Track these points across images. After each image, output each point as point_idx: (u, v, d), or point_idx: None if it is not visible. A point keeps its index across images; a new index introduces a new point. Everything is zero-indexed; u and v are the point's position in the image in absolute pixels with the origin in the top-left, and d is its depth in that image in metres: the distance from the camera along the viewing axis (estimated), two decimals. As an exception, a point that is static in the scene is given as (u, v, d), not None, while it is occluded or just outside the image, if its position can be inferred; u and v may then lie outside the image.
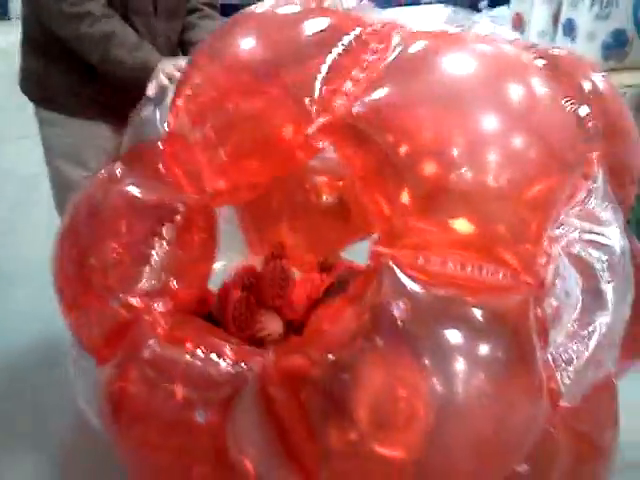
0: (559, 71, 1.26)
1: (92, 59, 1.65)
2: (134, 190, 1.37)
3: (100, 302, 1.33)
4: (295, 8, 1.28)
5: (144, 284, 1.31)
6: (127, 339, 1.29)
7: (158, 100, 1.51)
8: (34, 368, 2.18)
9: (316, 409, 1.03)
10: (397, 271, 0.99)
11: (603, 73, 1.40)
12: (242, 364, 1.18)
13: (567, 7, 2.69)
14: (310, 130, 1.10)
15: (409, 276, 0.99)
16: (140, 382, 1.25)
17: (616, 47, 2.65)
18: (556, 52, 1.36)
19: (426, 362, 0.96)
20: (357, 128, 1.06)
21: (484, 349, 0.98)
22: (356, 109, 1.06)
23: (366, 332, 0.99)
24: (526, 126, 1.06)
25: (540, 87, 1.12)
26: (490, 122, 1.04)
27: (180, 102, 1.33)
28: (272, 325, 1.59)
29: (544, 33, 2.82)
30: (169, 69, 1.57)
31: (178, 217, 1.33)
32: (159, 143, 1.38)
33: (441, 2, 1.53)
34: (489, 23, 1.30)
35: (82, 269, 1.38)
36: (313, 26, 1.20)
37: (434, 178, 1.00)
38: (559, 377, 1.10)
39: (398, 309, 0.97)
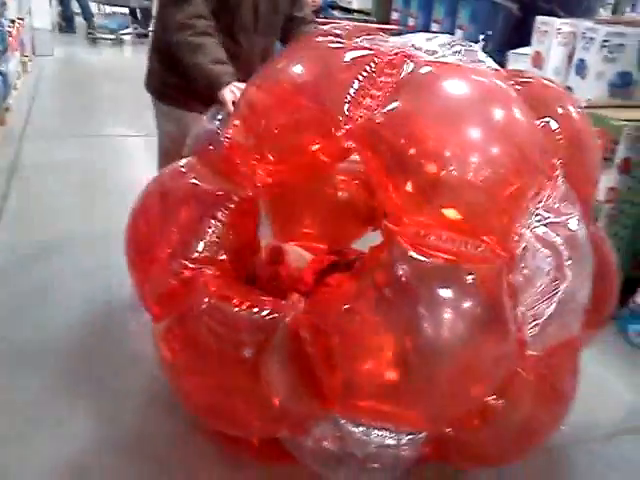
0: (534, 98, 1.56)
1: (183, 62, 2.00)
2: (198, 181, 1.68)
3: (160, 266, 1.63)
4: (334, 44, 1.57)
5: (199, 254, 1.59)
6: (184, 295, 1.56)
7: (222, 114, 1.82)
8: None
9: (333, 348, 1.35)
10: (402, 242, 1.29)
11: (574, 101, 1.71)
12: (277, 313, 1.46)
13: (580, 49, 2.99)
14: (339, 134, 1.41)
15: (412, 245, 1.28)
16: (197, 328, 1.53)
17: (622, 86, 2.93)
18: (532, 81, 1.67)
19: (421, 310, 1.26)
20: (375, 132, 1.37)
21: (466, 304, 1.27)
22: (375, 118, 1.37)
23: (376, 285, 1.31)
24: (503, 137, 1.36)
25: (516, 108, 1.42)
26: (475, 133, 1.35)
27: (238, 116, 1.64)
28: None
29: (558, 70, 3.11)
30: (234, 95, 1.85)
31: (232, 205, 1.63)
32: (219, 147, 1.68)
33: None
34: (481, 53, 1.58)
35: (148, 239, 1.70)
36: (346, 57, 1.50)
37: (432, 175, 1.29)
38: (527, 330, 1.37)
39: (403, 269, 1.28)
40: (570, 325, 1.50)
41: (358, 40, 1.56)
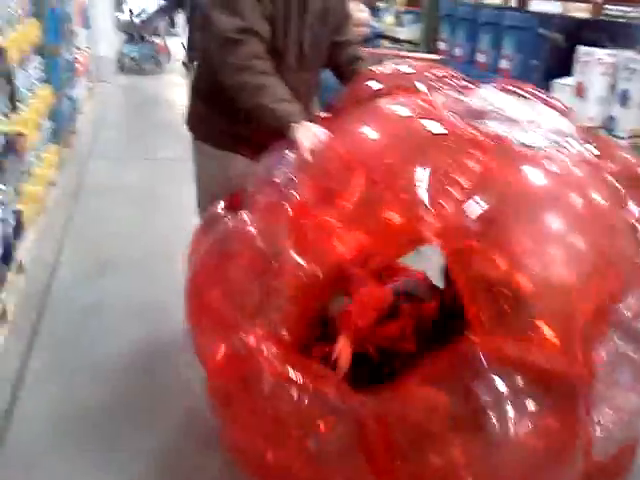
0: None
1: (245, 104, 1.85)
2: (265, 246, 1.54)
3: (221, 335, 1.55)
4: (408, 109, 1.54)
5: (262, 327, 1.48)
6: (247, 368, 1.50)
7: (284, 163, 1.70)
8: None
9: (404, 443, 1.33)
10: (481, 356, 1.25)
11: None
12: (342, 402, 1.39)
13: (622, 79, 2.95)
14: (428, 234, 1.32)
15: (490, 360, 1.24)
16: (259, 408, 1.47)
17: None
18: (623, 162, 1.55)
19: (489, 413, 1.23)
20: (467, 242, 1.29)
21: (532, 405, 1.24)
22: (468, 224, 1.29)
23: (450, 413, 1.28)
24: (590, 238, 1.30)
25: (604, 203, 1.35)
26: (563, 236, 1.31)
27: (308, 180, 1.55)
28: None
29: (602, 100, 3.06)
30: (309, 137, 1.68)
31: (301, 281, 1.46)
32: (286, 203, 1.54)
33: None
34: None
35: (211, 301, 1.60)
36: (427, 127, 1.44)
37: (523, 290, 1.24)
38: (595, 436, 1.32)
39: (479, 388, 1.24)
40: (635, 430, 1.48)
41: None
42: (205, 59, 2.11)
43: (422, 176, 1.37)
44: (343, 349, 1.60)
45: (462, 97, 1.66)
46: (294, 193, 1.56)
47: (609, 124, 3.05)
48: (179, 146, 4.89)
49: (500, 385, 1.25)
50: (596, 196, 1.37)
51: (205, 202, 2.09)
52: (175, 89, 7.34)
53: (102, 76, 7.41)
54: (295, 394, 1.41)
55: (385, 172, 1.44)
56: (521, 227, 1.30)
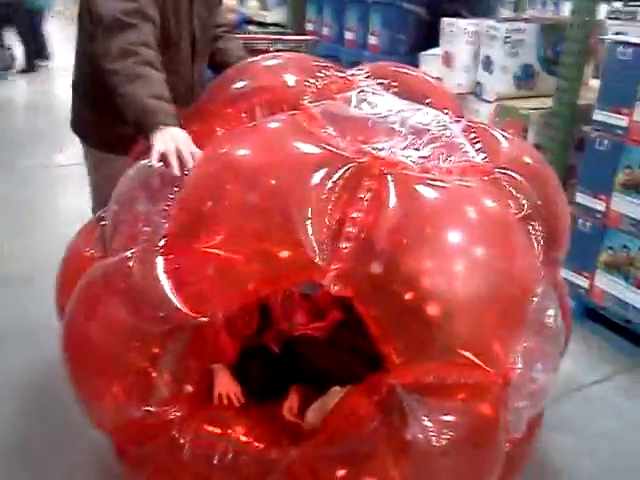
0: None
1: (120, 92, 1.61)
2: (141, 296, 1.35)
3: (116, 401, 1.40)
4: (285, 128, 1.42)
5: (160, 393, 1.37)
6: (154, 438, 1.41)
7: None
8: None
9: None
10: (403, 392, 1.23)
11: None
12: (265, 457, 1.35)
13: (485, 46, 3.03)
14: (325, 281, 1.24)
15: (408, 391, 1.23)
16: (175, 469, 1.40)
17: (525, 79, 3.03)
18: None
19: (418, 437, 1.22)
20: (372, 283, 1.21)
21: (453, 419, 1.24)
22: (372, 267, 1.21)
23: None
24: (494, 263, 1.29)
25: (501, 214, 1.36)
26: (465, 260, 1.26)
27: (180, 206, 1.40)
28: None
29: (468, 67, 3.14)
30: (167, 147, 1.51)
31: (188, 334, 1.35)
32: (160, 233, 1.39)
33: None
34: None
35: (94, 356, 1.42)
36: (307, 151, 1.34)
37: (434, 317, 1.20)
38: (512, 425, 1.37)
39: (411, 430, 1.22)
40: (542, 404, 1.55)
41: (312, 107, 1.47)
42: (83, 48, 1.88)
43: (306, 209, 1.26)
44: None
45: (340, 105, 1.57)
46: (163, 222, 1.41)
47: (476, 89, 3.19)
48: (46, 152, 4.70)
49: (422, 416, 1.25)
50: (489, 202, 1.37)
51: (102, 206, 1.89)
52: (39, 91, 6.87)
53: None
54: (217, 458, 1.37)
55: (261, 201, 1.30)
56: (422, 252, 1.26)
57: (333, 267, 1.24)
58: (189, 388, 1.41)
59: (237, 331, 1.65)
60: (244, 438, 1.43)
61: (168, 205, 1.45)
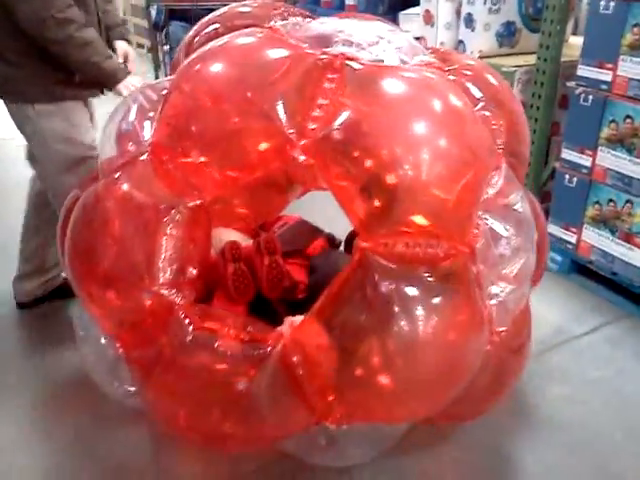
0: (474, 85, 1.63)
1: (72, 60, 1.95)
2: (139, 192, 1.49)
3: (121, 292, 1.49)
4: (253, 39, 1.51)
5: (163, 277, 1.46)
6: (159, 325, 1.47)
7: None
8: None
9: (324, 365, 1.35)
10: (372, 255, 1.32)
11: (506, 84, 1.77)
12: (259, 343, 1.41)
13: (466, 3, 3.09)
14: (296, 154, 1.37)
15: (382, 257, 1.32)
16: (184, 365, 1.45)
17: (507, 36, 3.09)
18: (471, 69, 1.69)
19: (395, 309, 1.31)
20: (335, 149, 1.33)
21: (436, 299, 1.33)
22: (332, 133, 1.33)
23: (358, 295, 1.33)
24: (451, 133, 1.37)
25: (459, 103, 1.43)
26: (424, 134, 1.35)
27: (164, 118, 1.50)
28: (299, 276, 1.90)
29: (449, 25, 3.22)
30: (133, 85, 2.00)
31: (183, 216, 1.48)
32: (145, 153, 1.52)
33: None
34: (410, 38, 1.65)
35: (95, 260, 1.51)
36: (275, 54, 1.44)
37: (391, 185, 1.30)
38: (493, 309, 1.46)
39: (377, 278, 1.31)
40: (525, 292, 1.62)
41: (278, 25, 1.57)
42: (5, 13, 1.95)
43: (279, 102, 1.39)
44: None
45: (307, 25, 1.69)
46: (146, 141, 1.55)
47: (458, 47, 3.20)
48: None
49: (404, 285, 1.33)
50: (451, 96, 1.45)
51: (59, 166, 2.10)
52: None
53: None
54: (220, 345, 1.41)
55: (238, 102, 1.42)
56: (386, 131, 1.35)
57: (302, 142, 1.36)
58: (192, 272, 1.51)
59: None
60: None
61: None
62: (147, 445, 1.89)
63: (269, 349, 1.39)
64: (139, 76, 2.14)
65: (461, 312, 1.38)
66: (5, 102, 2.12)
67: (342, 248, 2.18)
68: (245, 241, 2.03)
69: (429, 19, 3.30)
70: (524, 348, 1.71)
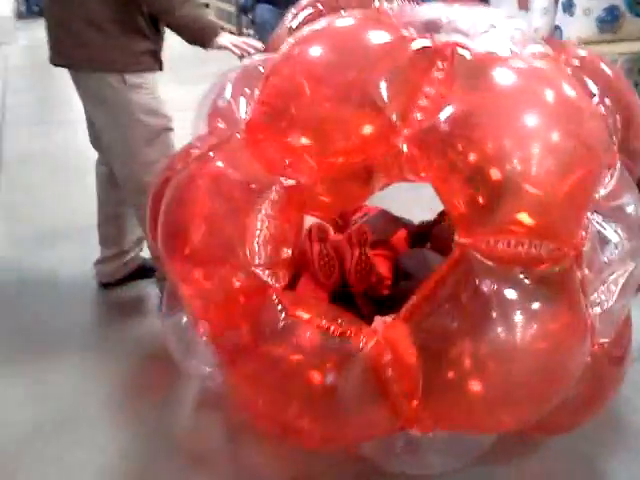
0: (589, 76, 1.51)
1: (173, 14, 2.01)
2: (230, 172, 1.47)
3: (214, 272, 1.45)
4: (354, 21, 1.47)
5: (261, 255, 1.40)
6: (252, 308, 1.42)
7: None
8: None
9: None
10: (474, 253, 1.25)
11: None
12: (350, 338, 1.34)
13: None
14: (399, 142, 1.31)
15: (483, 256, 1.25)
16: (272, 352, 1.40)
17: (610, 21, 2.89)
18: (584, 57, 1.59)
19: (493, 312, 1.24)
20: (441, 141, 1.27)
21: (536, 304, 1.25)
22: (438, 124, 1.27)
23: (454, 298, 1.27)
24: (563, 127, 1.28)
25: (574, 95, 1.33)
26: (535, 127, 1.26)
27: (262, 99, 1.47)
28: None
29: (546, 10, 3.05)
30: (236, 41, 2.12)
31: (276, 195, 1.42)
32: (240, 132, 1.49)
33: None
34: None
35: (189, 239, 1.47)
36: (379, 38, 1.38)
37: (496, 181, 1.23)
38: (597, 319, 1.36)
39: (478, 279, 1.24)
40: (629, 302, 1.51)
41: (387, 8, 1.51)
42: None
43: (383, 87, 1.33)
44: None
45: (414, 9, 1.61)
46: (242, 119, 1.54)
47: (555, 34, 3.03)
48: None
49: (504, 287, 1.25)
50: (566, 87, 1.36)
51: (141, 138, 2.12)
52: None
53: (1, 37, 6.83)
54: (310, 335, 1.35)
55: (339, 86, 1.36)
56: (495, 124, 1.28)
57: (406, 131, 1.31)
58: (287, 252, 1.45)
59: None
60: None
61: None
62: (221, 431, 1.89)
63: (361, 345, 1.34)
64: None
65: (562, 319, 1.29)
66: (82, 72, 2.12)
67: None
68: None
69: (524, 3, 3.14)
70: (624, 359, 1.60)
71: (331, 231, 1.95)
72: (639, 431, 1.84)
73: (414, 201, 2.48)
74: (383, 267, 1.85)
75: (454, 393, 1.31)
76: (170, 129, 2.17)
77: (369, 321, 1.51)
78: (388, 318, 1.42)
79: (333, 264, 1.77)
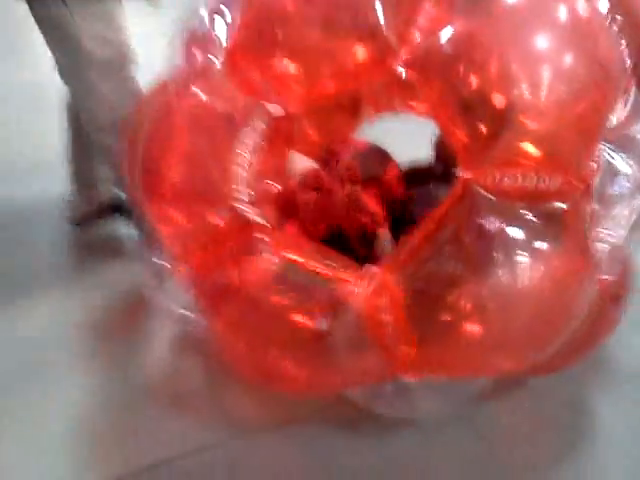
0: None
1: None
2: (210, 102, 1.35)
3: (197, 211, 1.36)
4: None
5: (245, 190, 1.31)
6: (241, 254, 1.33)
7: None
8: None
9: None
10: (478, 189, 1.16)
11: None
12: (342, 282, 1.26)
13: None
14: (397, 66, 1.20)
15: (487, 191, 1.16)
16: (263, 297, 1.32)
17: None
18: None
19: (497, 253, 1.17)
20: (441, 64, 1.17)
21: (542, 243, 1.18)
22: (439, 45, 1.16)
23: (456, 238, 1.19)
24: (576, 47, 1.19)
25: (585, 9, 1.22)
26: (544, 46, 1.17)
27: (242, 22, 1.33)
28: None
29: None
30: None
31: (261, 125, 1.31)
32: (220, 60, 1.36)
33: None
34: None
35: (171, 174, 1.38)
36: None
37: (504, 108, 1.14)
38: (603, 255, 1.29)
39: (481, 216, 1.17)
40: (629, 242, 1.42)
41: None
42: None
43: (378, 4, 1.20)
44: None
45: None
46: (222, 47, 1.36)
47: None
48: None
49: (508, 225, 1.17)
50: (580, 4, 1.24)
51: (99, 71, 1.90)
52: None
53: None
54: (300, 278, 1.27)
55: (331, 5, 1.24)
56: (500, 44, 1.18)
57: (404, 54, 1.19)
58: (275, 187, 1.38)
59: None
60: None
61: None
62: (200, 375, 1.82)
63: (355, 290, 1.26)
64: None
65: (568, 259, 1.22)
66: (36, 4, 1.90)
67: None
68: (313, 166, 1.87)
69: None
70: (623, 299, 1.54)
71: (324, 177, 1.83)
72: (630, 373, 1.81)
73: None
74: (376, 206, 1.76)
75: (452, 337, 1.24)
76: (130, 61, 1.97)
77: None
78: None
79: (324, 213, 1.66)
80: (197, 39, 1.48)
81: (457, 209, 1.19)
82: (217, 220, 1.33)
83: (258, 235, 1.30)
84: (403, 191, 1.85)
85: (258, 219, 1.31)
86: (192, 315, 1.57)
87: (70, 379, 1.78)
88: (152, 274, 1.69)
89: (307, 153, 1.96)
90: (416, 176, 1.97)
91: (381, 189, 1.84)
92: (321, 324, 1.26)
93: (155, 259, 1.63)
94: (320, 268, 1.27)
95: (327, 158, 1.99)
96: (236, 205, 1.30)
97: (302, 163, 1.88)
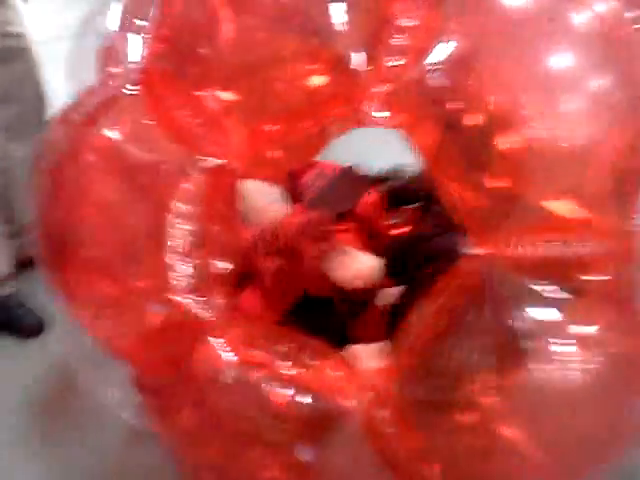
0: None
1: None
2: (125, 146, 1.05)
3: (133, 304, 1.07)
4: None
5: (185, 275, 1.01)
6: (187, 357, 1.02)
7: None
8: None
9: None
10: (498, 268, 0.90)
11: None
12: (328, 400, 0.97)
13: None
14: (369, 108, 0.90)
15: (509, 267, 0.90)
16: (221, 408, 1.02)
17: None
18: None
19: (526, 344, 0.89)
20: (425, 100, 0.89)
21: (586, 327, 0.91)
22: (431, 77, 0.87)
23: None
24: (605, 62, 0.91)
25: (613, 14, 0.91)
26: (564, 66, 0.89)
27: (159, 31, 1.03)
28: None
29: None
30: None
31: (194, 183, 1.01)
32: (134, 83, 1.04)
33: None
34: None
35: (83, 251, 1.06)
36: None
37: (514, 155, 0.87)
38: None
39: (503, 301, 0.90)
40: None
41: None
42: None
43: (336, 13, 0.90)
44: None
45: None
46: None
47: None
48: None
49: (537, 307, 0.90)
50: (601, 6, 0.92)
51: None
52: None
53: None
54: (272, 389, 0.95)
55: (276, 12, 0.95)
56: (505, 70, 0.88)
57: (379, 89, 0.90)
58: (223, 266, 1.06)
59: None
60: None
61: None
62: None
63: (346, 403, 0.95)
64: None
65: (620, 341, 0.94)
66: None
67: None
68: (276, 196, 1.57)
69: None
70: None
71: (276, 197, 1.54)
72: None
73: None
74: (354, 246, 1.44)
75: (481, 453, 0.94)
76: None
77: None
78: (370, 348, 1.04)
79: (290, 283, 1.35)
80: (111, 48, 1.14)
81: (467, 291, 0.91)
82: (151, 311, 1.02)
83: (207, 333, 0.99)
84: (388, 224, 1.54)
85: (204, 312, 0.99)
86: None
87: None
88: (82, 354, 1.36)
89: (270, 178, 1.62)
90: (403, 194, 1.64)
91: (356, 223, 1.54)
92: (304, 454, 0.95)
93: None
94: (295, 369, 0.96)
95: (290, 186, 1.68)
96: (172, 297, 0.98)
97: (260, 196, 1.55)
